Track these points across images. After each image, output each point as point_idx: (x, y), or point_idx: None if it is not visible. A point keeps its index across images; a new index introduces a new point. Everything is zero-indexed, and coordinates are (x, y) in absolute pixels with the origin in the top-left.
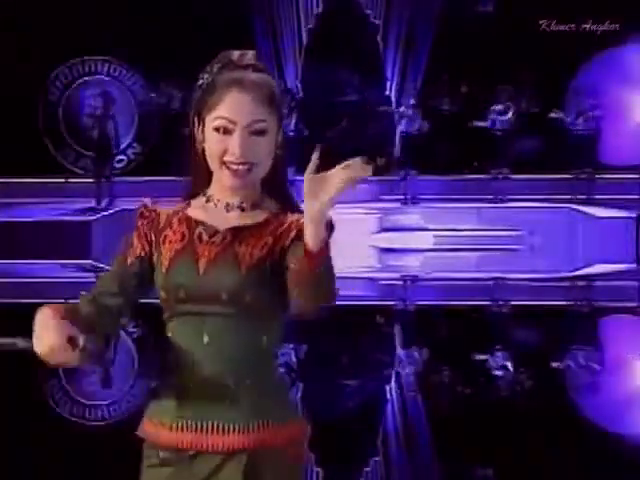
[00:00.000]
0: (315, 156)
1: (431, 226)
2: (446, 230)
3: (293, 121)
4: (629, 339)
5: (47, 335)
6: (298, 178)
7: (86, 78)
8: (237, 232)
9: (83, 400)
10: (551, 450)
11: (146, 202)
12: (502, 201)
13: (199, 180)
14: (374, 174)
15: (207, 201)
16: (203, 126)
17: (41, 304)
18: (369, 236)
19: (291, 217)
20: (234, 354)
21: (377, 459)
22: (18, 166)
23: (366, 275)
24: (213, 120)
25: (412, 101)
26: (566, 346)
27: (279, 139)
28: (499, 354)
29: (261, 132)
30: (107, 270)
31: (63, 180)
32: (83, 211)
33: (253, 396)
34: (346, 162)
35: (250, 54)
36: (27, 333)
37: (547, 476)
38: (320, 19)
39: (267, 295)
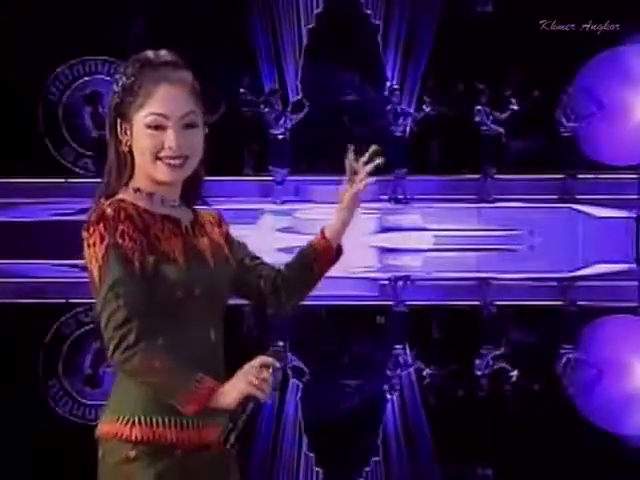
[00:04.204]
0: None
1: (431, 226)
2: (446, 230)
3: (288, 122)
4: (629, 339)
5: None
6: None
7: (86, 78)
8: (197, 226)
9: (83, 400)
10: (551, 450)
11: (106, 207)
12: (498, 201)
13: (120, 180)
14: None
15: (147, 196)
16: (129, 126)
17: (41, 304)
18: (369, 236)
19: (203, 213)
20: (221, 351)
21: (377, 459)
22: (18, 166)
23: (366, 275)
24: (144, 117)
25: (412, 101)
26: (566, 346)
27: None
28: (499, 354)
29: (193, 125)
30: None
31: (63, 180)
32: (83, 211)
33: None
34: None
35: (164, 52)
36: (26, 333)
37: (547, 476)
38: (320, 19)
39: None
